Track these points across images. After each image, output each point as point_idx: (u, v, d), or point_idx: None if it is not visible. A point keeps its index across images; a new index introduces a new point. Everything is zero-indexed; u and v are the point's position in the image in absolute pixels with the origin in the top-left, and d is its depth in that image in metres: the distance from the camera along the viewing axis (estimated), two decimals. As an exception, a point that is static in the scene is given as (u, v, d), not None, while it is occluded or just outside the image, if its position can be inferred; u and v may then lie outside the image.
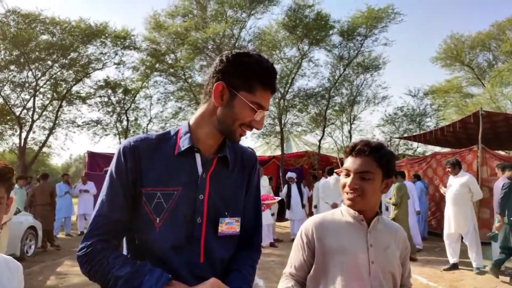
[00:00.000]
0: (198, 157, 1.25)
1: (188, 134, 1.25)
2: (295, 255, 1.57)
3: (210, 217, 1.22)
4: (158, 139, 1.26)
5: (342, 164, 1.62)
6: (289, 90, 16.53)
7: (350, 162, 1.51)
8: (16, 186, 9.76)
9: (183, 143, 1.23)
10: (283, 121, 16.21)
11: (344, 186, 1.52)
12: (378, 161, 1.47)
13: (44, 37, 16.22)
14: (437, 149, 14.14)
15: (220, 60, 1.21)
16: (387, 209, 9.27)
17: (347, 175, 1.51)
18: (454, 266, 6.51)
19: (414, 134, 15.55)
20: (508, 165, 6.32)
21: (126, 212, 1.20)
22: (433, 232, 9.92)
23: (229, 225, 1.26)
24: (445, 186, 6.83)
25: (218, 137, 1.27)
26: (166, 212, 1.18)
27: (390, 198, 7.92)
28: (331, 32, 16.01)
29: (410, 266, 1.63)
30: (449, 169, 6.47)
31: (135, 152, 1.20)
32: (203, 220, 1.21)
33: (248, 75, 1.18)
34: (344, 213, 1.56)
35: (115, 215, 1.18)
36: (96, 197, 11.56)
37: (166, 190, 1.19)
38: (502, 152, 12.41)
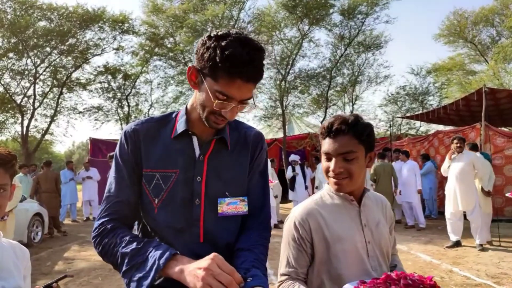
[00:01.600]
0: (195, 139, 1.26)
1: (184, 117, 1.26)
2: (291, 250, 1.40)
3: (209, 199, 1.23)
4: (158, 122, 1.29)
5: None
6: (290, 72, 16.38)
7: (329, 144, 1.38)
8: (21, 174, 9.83)
9: (179, 126, 1.26)
10: (284, 103, 16.12)
11: (327, 171, 1.41)
12: (358, 137, 1.36)
13: (42, 23, 16.12)
14: (440, 127, 14.09)
15: (200, 42, 1.15)
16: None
17: (329, 158, 1.40)
18: (457, 244, 6.56)
19: (417, 113, 15.47)
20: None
21: (133, 193, 1.24)
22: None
23: (232, 205, 1.26)
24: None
25: None
26: (164, 194, 1.21)
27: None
28: (331, 10, 15.78)
29: (394, 234, 1.61)
30: (459, 145, 6.38)
31: (135, 135, 1.25)
32: (201, 202, 1.23)
33: (213, 61, 1.07)
34: (332, 195, 1.46)
35: (123, 195, 1.22)
36: (100, 183, 11.65)
37: (164, 172, 1.22)
38: (505, 129, 12.34)
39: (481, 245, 6.31)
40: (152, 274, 1.05)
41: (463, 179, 6.33)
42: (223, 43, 1.06)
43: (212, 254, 1.04)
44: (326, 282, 1.37)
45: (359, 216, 1.43)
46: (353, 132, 1.36)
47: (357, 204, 1.45)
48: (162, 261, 1.06)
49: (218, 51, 1.06)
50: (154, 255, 1.08)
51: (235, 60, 1.04)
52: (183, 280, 1.03)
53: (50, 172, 9.54)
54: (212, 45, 1.08)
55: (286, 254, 1.42)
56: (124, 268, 1.11)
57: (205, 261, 1.02)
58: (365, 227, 1.42)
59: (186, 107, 1.29)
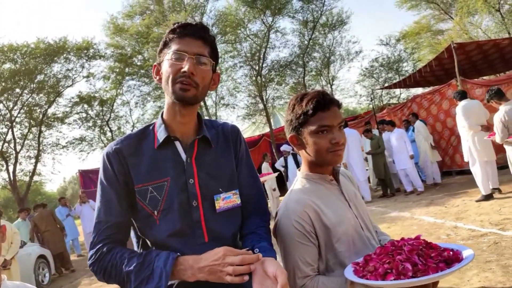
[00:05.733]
0: (178, 144, 1.28)
1: (163, 125, 1.28)
2: (301, 249, 1.32)
3: (205, 198, 1.26)
4: (137, 136, 1.30)
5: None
6: (264, 66, 16.42)
7: (328, 116, 1.34)
8: (20, 219, 9.73)
9: (160, 135, 1.27)
10: (264, 98, 16.15)
11: (328, 146, 1.34)
12: (340, 107, 1.40)
13: (6, 65, 15.81)
14: (420, 90, 14.25)
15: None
16: (366, 159, 9.57)
17: (327, 131, 1.34)
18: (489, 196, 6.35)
19: (394, 82, 15.63)
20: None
21: (123, 213, 1.24)
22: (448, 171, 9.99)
23: (227, 200, 1.29)
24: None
25: (188, 119, 1.28)
26: (162, 204, 1.22)
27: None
28: (290, -3, 15.91)
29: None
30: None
31: (119, 155, 1.24)
32: (198, 203, 1.24)
33: (166, 39, 1.25)
34: (310, 180, 1.42)
35: (113, 219, 1.22)
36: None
37: (156, 183, 1.22)
38: (482, 78, 12.53)
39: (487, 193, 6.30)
40: (163, 282, 1.08)
41: (460, 131, 6.45)
42: (171, 26, 1.26)
43: (222, 248, 1.11)
44: (334, 266, 1.35)
45: (342, 194, 1.44)
46: (337, 102, 1.39)
47: (336, 182, 1.45)
48: (167, 267, 1.10)
49: (167, 33, 1.24)
50: (158, 264, 1.11)
51: (182, 25, 1.23)
52: (202, 279, 1.09)
53: (44, 211, 9.42)
54: (164, 36, 1.27)
55: (297, 256, 1.32)
56: (133, 285, 1.13)
57: (215, 254, 1.10)
58: (350, 203, 1.43)
59: (162, 116, 1.31)
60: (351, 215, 1.40)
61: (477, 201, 6.38)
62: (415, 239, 1.21)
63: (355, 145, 9.11)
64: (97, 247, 1.19)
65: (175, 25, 1.23)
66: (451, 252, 1.15)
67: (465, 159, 6.52)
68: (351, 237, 1.36)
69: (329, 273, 1.35)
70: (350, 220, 1.38)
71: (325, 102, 1.34)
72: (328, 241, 1.34)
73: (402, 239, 1.23)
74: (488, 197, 6.29)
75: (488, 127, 6.04)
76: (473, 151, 6.34)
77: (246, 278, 1.06)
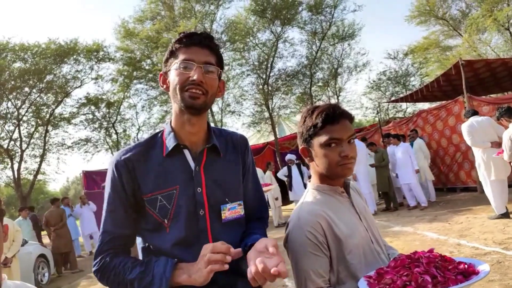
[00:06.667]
0: (187, 153, 1.28)
1: (172, 133, 1.28)
2: (314, 261, 1.30)
3: (212, 207, 1.26)
4: (146, 145, 1.30)
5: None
6: (271, 74, 16.49)
7: (336, 129, 1.33)
8: (21, 218, 9.76)
9: (169, 143, 1.27)
10: (270, 106, 16.20)
11: (338, 159, 1.33)
12: (351, 120, 1.40)
13: (17, 64, 16.00)
14: (426, 105, 14.23)
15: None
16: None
17: (336, 144, 1.33)
18: (504, 215, 6.17)
19: (401, 95, 15.63)
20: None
21: (129, 225, 1.27)
22: (453, 187, 9.97)
23: (232, 210, 1.30)
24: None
25: (197, 128, 1.29)
26: (171, 212, 1.22)
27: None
28: (300, 8, 15.99)
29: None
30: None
31: (128, 164, 1.24)
32: (205, 212, 1.25)
33: (172, 48, 1.26)
34: (322, 192, 1.42)
35: (118, 230, 1.25)
36: (96, 214, 11.52)
37: (165, 191, 1.23)
38: (489, 96, 12.50)
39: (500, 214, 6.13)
40: (163, 285, 1.12)
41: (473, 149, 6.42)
42: (176, 36, 1.28)
43: (205, 246, 1.15)
44: (345, 279, 1.33)
45: (352, 206, 1.44)
46: (348, 115, 1.39)
47: (347, 195, 1.45)
48: (167, 273, 1.13)
49: (173, 43, 1.26)
50: (158, 270, 1.15)
51: (187, 34, 1.25)
52: (193, 282, 1.12)
53: (56, 210, 9.42)
54: (170, 46, 1.28)
55: (309, 268, 1.29)
56: None
57: (201, 254, 1.13)
58: (361, 215, 1.43)
59: (170, 124, 1.32)
60: (362, 228, 1.40)
61: (490, 218, 6.28)
62: (429, 252, 1.20)
63: (361, 157, 9.09)
64: (101, 256, 1.23)
65: (180, 35, 1.25)
66: (466, 266, 1.14)
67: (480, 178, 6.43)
68: (362, 250, 1.35)
69: (340, 285, 1.34)
70: (361, 233, 1.38)
71: (334, 115, 1.34)
72: (339, 253, 1.33)
73: (416, 252, 1.23)
74: (504, 216, 6.10)
75: (499, 144, 5.93)
76: (482, 169, 6.25)
77: (226, 266, 1.10)
